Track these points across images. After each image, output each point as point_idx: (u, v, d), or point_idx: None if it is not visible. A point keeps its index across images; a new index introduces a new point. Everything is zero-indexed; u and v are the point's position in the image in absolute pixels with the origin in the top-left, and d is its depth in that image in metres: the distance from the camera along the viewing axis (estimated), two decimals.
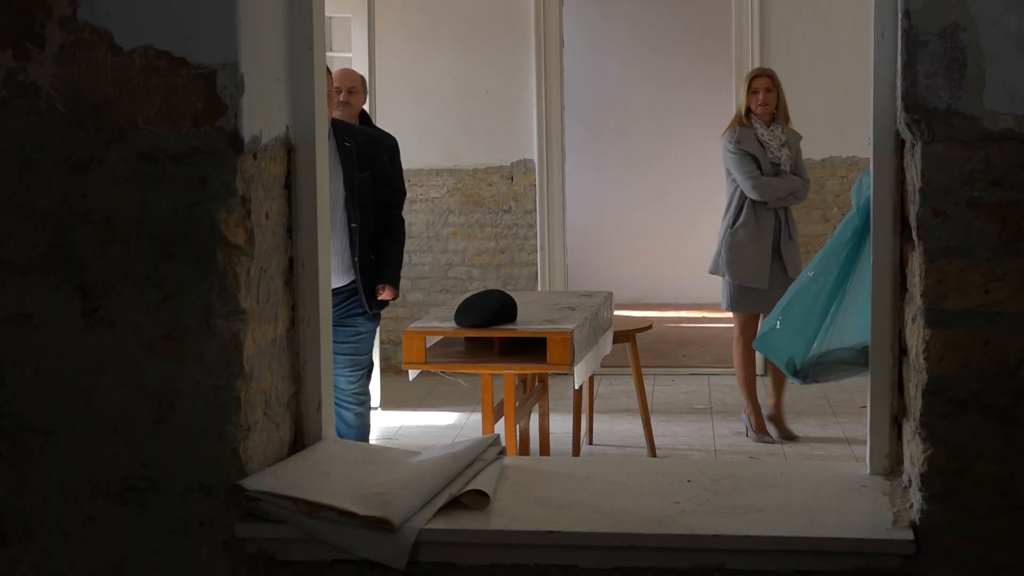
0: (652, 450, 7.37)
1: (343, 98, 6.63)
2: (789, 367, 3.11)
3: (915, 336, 2.56)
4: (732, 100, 9.45)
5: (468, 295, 6.63)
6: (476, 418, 7.76)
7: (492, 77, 9.86)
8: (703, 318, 11.95)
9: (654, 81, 12.93)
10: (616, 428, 8.04)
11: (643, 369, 7.65)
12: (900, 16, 2.49)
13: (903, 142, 2.64)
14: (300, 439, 2.92)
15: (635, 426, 7.66)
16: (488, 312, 6.22)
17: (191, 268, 2.64)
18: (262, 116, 2.71)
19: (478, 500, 2.71)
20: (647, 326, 7.88)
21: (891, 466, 2.79)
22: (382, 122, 9.06)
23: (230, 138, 2.62)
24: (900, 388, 2.74)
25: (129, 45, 2.62)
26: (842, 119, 8.68)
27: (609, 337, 7.13)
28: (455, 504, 2.70)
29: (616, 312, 7.57)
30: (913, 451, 2.59)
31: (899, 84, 2.53)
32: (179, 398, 2.66)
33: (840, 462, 6.62)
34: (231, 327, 2.64)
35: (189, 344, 2.65)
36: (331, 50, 8.65)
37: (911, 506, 2.59)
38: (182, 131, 2.62)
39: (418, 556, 2.59)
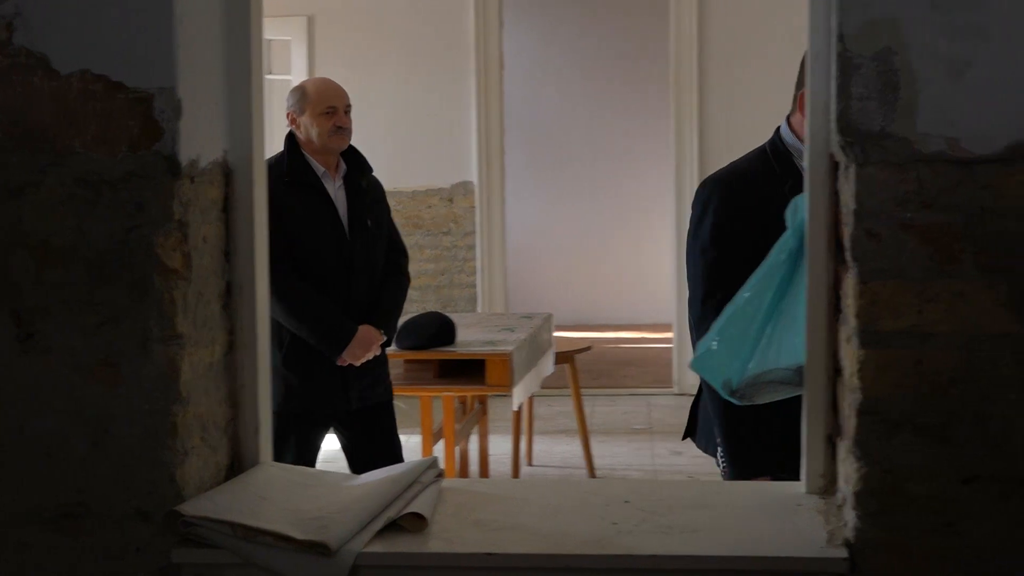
0: (591, 470, 7.37)
1: (340, 122, 5.18)
2: (725, 387, 3.12)
3: (849, 356, 2.57)
4: (672, 125, 9.50)
5: (407, 317, 6.60)
6: (415, 440, 7.74)
7: (432, 100, 9.86)
8: (642, 339, 11.99)
9: (592, 105, 12.97)
10: (555, 449, 8.04)
11: (582, 390, 7.66)
12: (834, 39, 2.52)
13: (837, 164, 2.65)
14: (238, 463, 2.90)
15: (574, 447, 7.67)
16: (426, 334, 6.21)
17: (128, 292, 2.62)
18: (200, 140, 2.70)
19: (416, 523, 2.70)
20: (587, 347, 7.90)
21: (826, 485, 2.80)
22: None
23: (167, 162, 2.60)
24: (834, 408, 2.75)
25: (66, 69, 2.60)
26: None
27: (549, 358, 7.14)
28: (393, 527, 2.69)
29: (556, 333, 7.57)
30: (847, 470, 2.60)
31: (833, 107, 2.55)
32: (115, 423, 2.64)
33: (776, 481, 6.65)
34: (168, 351, 2.62)
35: (125, 369, 2.63)
36: (271, 73, 8.63)
37: (845, 524, 2.60)
38: (119, 155, 2.60)
39: None
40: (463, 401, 6.98)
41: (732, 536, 2.66)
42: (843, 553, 2.54)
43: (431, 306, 9.50)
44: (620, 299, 12.75)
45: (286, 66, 9.01)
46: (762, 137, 4.15)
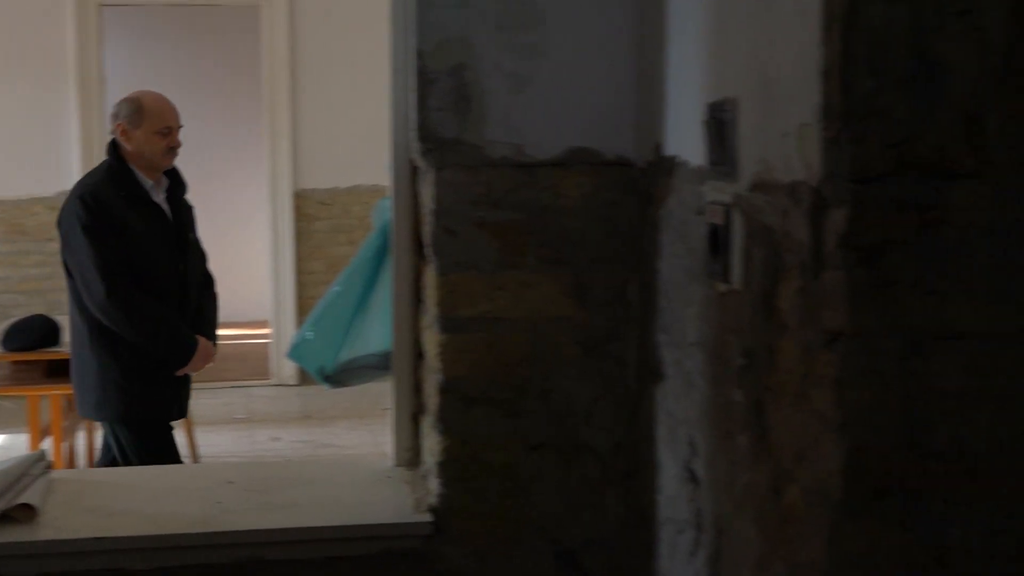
0: (195, 458, 7.25)
1: (174, 142, 4.95)
2: (320, 374, 3.13)
3: (431, 341, 2.63)
4: (266, 134, 9.44)
5: (13, 320, 6.40)
6: (24, 438, 7.41)
7: (33, 113, 9.44)
8: (241, 335, 11.86)
9: (193, 117, 12.68)
10: None
11: None
12: (412, 56, 2.56)
13: (417, 169, 2.70)
14: None
15: (179, 437, 7.51)
16: (32, 336, 6.03)
17: None
18: None
19: (26, 513, 2.59)
20: None
21: (412, 458, 2.85)
22: None
23: None
24: (419, 388, 2.80)
25: None
26: (366, 150, 8.77)
27: None
28: (4, 519, 2.57)
29: None
30: (431, 443, 2.66)
31: (413, 117, 2.59)
32: None
33: (369, 457, 6.71)
34: None
35: None
36: None
37: (430, 492, 2.66)
38: None
39: None
40: (70, 399, 6.73)
41: (328, 508, 2.67)
42: (428, 518, 2.60)
43: (38, 309, 9.08)
44: (221, 299, 12.58)
45: None
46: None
